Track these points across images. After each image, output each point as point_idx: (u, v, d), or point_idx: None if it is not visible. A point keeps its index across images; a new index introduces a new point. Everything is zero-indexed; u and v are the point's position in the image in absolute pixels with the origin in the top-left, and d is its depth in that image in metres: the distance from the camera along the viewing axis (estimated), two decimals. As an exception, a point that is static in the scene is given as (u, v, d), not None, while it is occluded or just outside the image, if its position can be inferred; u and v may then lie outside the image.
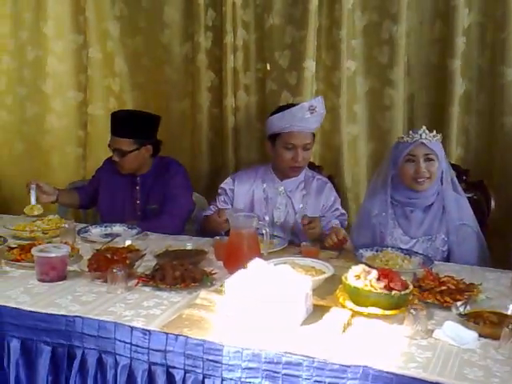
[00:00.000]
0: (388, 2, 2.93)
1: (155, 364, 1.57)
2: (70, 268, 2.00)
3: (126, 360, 1.60)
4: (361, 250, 2.21)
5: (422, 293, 1.77)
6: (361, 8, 3.02)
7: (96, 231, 2.56)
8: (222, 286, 1.79)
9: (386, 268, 1.82)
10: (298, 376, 1.43)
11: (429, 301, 1.74)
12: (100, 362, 1.63)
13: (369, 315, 1.63)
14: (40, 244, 2.08)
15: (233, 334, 1.54)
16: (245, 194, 2.68)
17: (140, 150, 2.74)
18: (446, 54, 2.90)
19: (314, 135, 2.63)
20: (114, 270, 1.84)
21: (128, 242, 2.23)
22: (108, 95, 3.52)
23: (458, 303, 1.67)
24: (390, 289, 1.63)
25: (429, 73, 3.02)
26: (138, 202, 2.84)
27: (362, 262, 1.95)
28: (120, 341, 1.60)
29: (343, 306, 1.68)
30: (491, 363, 1.41)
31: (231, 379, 1.50)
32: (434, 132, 2.32)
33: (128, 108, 3.35)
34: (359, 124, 3.13)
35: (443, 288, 1.77)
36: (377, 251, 2.21)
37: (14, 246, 2.20)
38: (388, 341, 1.52)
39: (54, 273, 1.92)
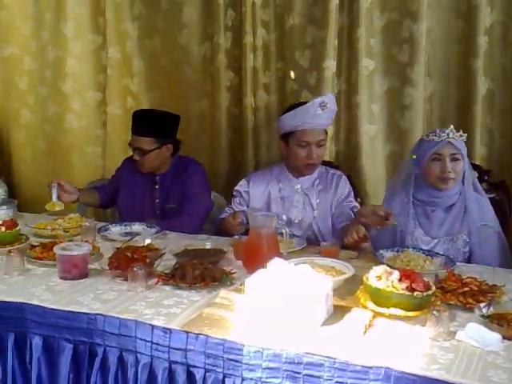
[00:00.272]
0: (409, 0, 2.91)
1: (176, 363, 1.57)
2: (90, 266, 2.02)
3: (146, 358, 1.60)
4: (381, 251, 2.19)
5: (445, 294, 1.75)
6: (380, 7, 3.01)
7: (116, 230, 2.57)
8: (241, 285, 1.80)
9: (408, 269, 1.80)
10: (319, 377, 1.42)
11: (451, 302, 1.72)
12: (121, 360, 1.64)
13: (390, 316, 1.62)
14: (61, 242, 2.10)
15: (253, 333, 1.54)
16: (260, 195, 2.68)
17: (161, 149, 2.75)
18: (467, 54, 2.88)
19: (326, 132, 2.63)
20: (135, 269, 1.85)
21: (147, 241, 2.24)
22: (126, 95, 3.55)
23: (481, 305, 1.65)
24: (413, 290, 1.61)
25: (449, 72, 3.00)
26: (157, 201, 2.85)
27: (382, 263, 1.94)
28: (141, 339, 1.61)
29: (364, 307, 1.67)
30: (516, 366, 1.39)
31: (251, 379, 1.49)
32: (461, 131, 2.30)
33: (144, 108, 3.36)
34: (377, 124, 3.11)
35: (466, 289, 1.74)
36: (397, 252, 2.19)
37: (35, 244, 2.22)
38: (410, 342, 1.51)
39: (76, 271, 1.94)
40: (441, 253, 2.24)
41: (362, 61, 3.01)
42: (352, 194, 2.68)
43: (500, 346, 1.48)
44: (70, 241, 2.17)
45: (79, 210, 2.95)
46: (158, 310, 1.70)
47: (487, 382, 1.32)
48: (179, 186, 2.78)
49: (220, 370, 1.52)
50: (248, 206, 2.65)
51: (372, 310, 1.64)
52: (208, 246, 2.26)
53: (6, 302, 1.77)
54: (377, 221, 2.14)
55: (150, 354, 1.60)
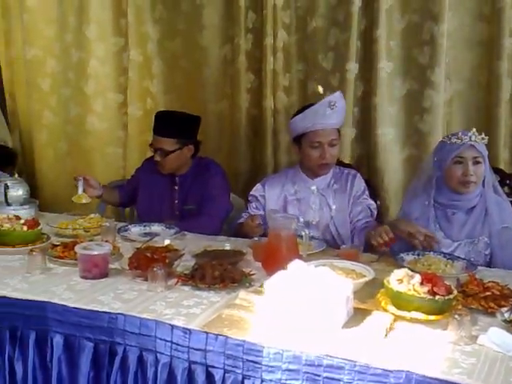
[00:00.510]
0: (430, 2, 2.90)
1: (195, 363, 1.57)
2: (111, 266, 2.03)
3: (166, 358, 1.61)
4: (402, 254, 2.17)
5: (466, 298, 1.73)
6: (401, 9, 2.99)
7: (135, 230, 2.58)
8: (261, 286, 1.80)
9: (429, 272, 1.79)
10: (339, 379, 1.41)
11: (472, 306, 1.70)
12: (141, 360, 1.64)
13: (411, 320, 1.61)
14: (82, 242, 2.12)
15: (273, 335, 1.54)
16: (276, 199, 2.67)
17: (182, 150, 2.77)
18: (491, 56, 2.86)
19: (339, 131, 2.62)
20: (155, 269, 1.86)
21: (167, 242, 2.25)
22: (146, 96, 3.57)
23: (503, 309, 1.63)
24: (434, 293, 1.60)
25: (470, 75, 2.97)
26: (176, 201, 2.86)
27: (403, 266, 1.93)
28: (161, 339, 1.61)
29: (385, 310, 1.66)
30: (539, 372, 1.37)
31: (271, 380, 1.49)
32: (483, 134, 2.28)
33: (165, 109, 3.38)
34: (396, 126, 3.09)
35: (487, 294, 1.72)
36: (418, 255, 2.17)
37: (56, 243, 2.24)
38: (431, 346, 1.49)
39: (97, 270, 1.96)
40: (461, 256, 2.22)
41: (381, 62, 3.00)
42: (367, 191, 2.67)
43: (522, 352, 1.45)
44: (91, 240, 2.19)
45: (99, 210, 2.98)
46: (177, 310, 1.70)
47: (510, 388, 1.30)
48: (199, 187, 2.79)
49: (239, 371, 1.52)
50: (264, 210, 2.64)
51: (393, 314, 1.63)
52: (227, 247, 2.26)
53: (27, 300, 1.79)
54: (418, 242, 2.16)
55: (169, 353, 1.60)
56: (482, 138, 2.28)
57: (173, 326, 1.60)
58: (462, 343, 1.49)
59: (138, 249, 2.10)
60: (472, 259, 2.21)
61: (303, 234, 2.08)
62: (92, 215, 2.64)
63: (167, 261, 2.00)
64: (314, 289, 1.59)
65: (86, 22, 3.58)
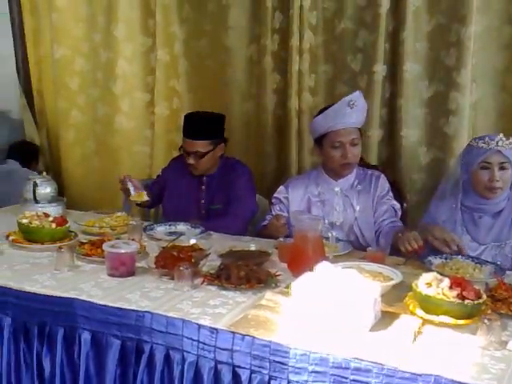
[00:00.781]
0: (458, 4, 2.86)
1: (221, 362, 1.58)
2: (137, 264, 2.04)
3: (192, 357, 1.61)
4: (429, 258, 2.14)
5: (495, 303, 1.71)
6: (427, 11, 2.96)
7: (161, 229, 2.59)
8: (287, 287, 1.79)
9: (458, 276, 1.77)
10: (367, 383, 1.40)
11: (502, 311, 1.68)
12: (167, 358, 1.65)
13: (440, 324, 1.59)
14: (109, 240, 2.14)
15: (300, 336, 1.54)
16: (300, 200, 2.66)
17: (215, 150, 2.77)
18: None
19: (360, 131, 2.60)
20: (181, 268, 1.86)
21: (192, 241, 2.26)
22: (172, 96, 3.59)
23: (534, 315, 1.61)
24: (463, 298, 1.58)
25: (497, 78, 2.92)
26: (203, 201, 2.87)
27: (430, 270, 1.91)
28: (187, 338, 1.62)
29: (413, 314, 1.64)
30: None
31: (297, 382, 1.48)
32: (511, 139, 2.25)
33: (191, 109, 3.38)
34: (421, 129, 3.06)
35: (517, 299, 1.70)
36: (446, 259, 2.15)
37: (84, 241, 2.27)
38: (460, 351, 1.48)
39: (124, 268, 1.97)
40: (488, 259, 2.20)
41: (406, 64, 2.98)
42: (391, 192, 2.65)
43: (553, 358, 1.43)
44: (118, 239, 2.21)
45: (125, 208, 3.00)
46: (204, 309, 1.71)
47: (540, 395, 1.29)
48: (225, 187, 2.80)
49: (266, 371, 1.52)
50: (288, 212, 2.64)
51: (421, 317, 1.62)
52: (253, 247, 2.25)
53: (56, 297, 1.81)
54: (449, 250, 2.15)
55: (196, 352, 1.61)
56: (510, 143, 2.25)
57: (200, 326, 1.61)
58: (491, 348, 1.47)
59: (164, 248, 2.12)
60: (498, 262, 2.18)
61: (329, 235, 2.08)
62: (118, 213, 2.67)
63: (193, 260, 2.00)
64: (342, 291, 1.58)
65: (114, 21, 3.61)
